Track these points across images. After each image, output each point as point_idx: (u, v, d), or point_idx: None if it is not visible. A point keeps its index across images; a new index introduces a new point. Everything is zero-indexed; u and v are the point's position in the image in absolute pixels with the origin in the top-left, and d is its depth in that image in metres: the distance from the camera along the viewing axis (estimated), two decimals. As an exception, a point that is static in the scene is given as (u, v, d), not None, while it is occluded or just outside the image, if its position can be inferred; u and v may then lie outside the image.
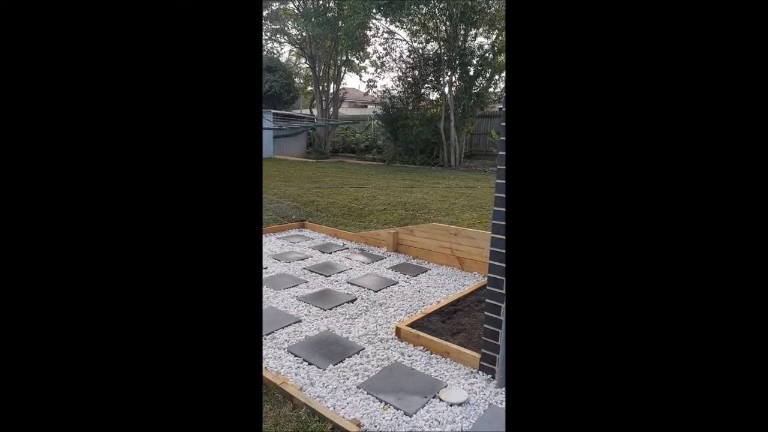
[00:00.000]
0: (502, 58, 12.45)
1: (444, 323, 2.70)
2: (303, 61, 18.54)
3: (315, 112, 17.52)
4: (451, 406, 1.90)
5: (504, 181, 1.96)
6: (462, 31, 12.11)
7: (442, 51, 12.41)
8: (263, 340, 2.50)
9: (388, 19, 12.35)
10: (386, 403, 1.90)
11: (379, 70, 14.28)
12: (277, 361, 2.27)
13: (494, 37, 12.54)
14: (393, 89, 14.21)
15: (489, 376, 2.14)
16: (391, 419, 1.80)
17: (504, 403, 1.92)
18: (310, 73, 17.00)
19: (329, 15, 14.00)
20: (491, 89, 13.29)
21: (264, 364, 2.23)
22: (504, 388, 2.02)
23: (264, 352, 2.36)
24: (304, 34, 15.67)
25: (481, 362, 2.18)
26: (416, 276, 3.70)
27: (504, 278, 2.03)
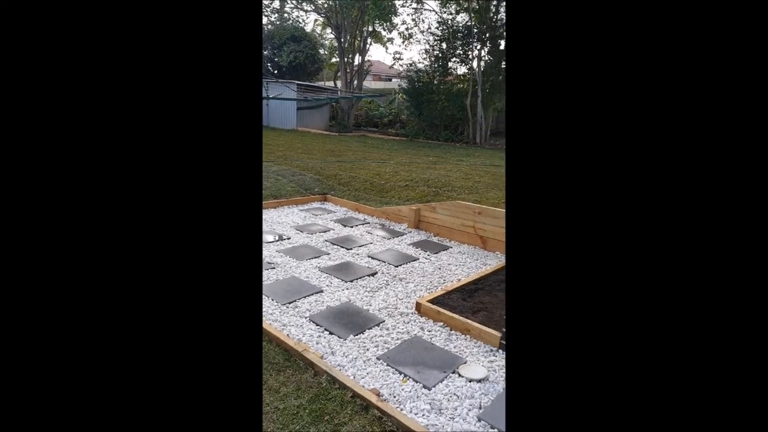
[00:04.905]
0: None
1: (465, 301, 2.69)
2: (328, 31, 18.17)
3: (339, 84, 17.29)
4: (470, 381, 1.91)
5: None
6: (495, 1, 11.59)
7: (473, 23, 11.95)
8: (285, 308, 2.55)
9: (417, -12, 11.94)
10: (405, 376, 1.93)
11: (405, 42, 13.94)
12: (299, 329, 2.31)
13: (528, 8, 11.96)
14: (419, 62, 13.88)
15: (509, 355, 2.13)
16: (410, 391, 1.83)
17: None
18: (335, 44, 16.70)
19: (357, -17, 13.62)
20: (522, 64, 12.78)
21: (286, 332, 2.28)
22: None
23: (286, 320, 2.41)
24: (330, 2, 15.31)
25: (502, 341, 2.17)
26: (437, 253, 3.68)
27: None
